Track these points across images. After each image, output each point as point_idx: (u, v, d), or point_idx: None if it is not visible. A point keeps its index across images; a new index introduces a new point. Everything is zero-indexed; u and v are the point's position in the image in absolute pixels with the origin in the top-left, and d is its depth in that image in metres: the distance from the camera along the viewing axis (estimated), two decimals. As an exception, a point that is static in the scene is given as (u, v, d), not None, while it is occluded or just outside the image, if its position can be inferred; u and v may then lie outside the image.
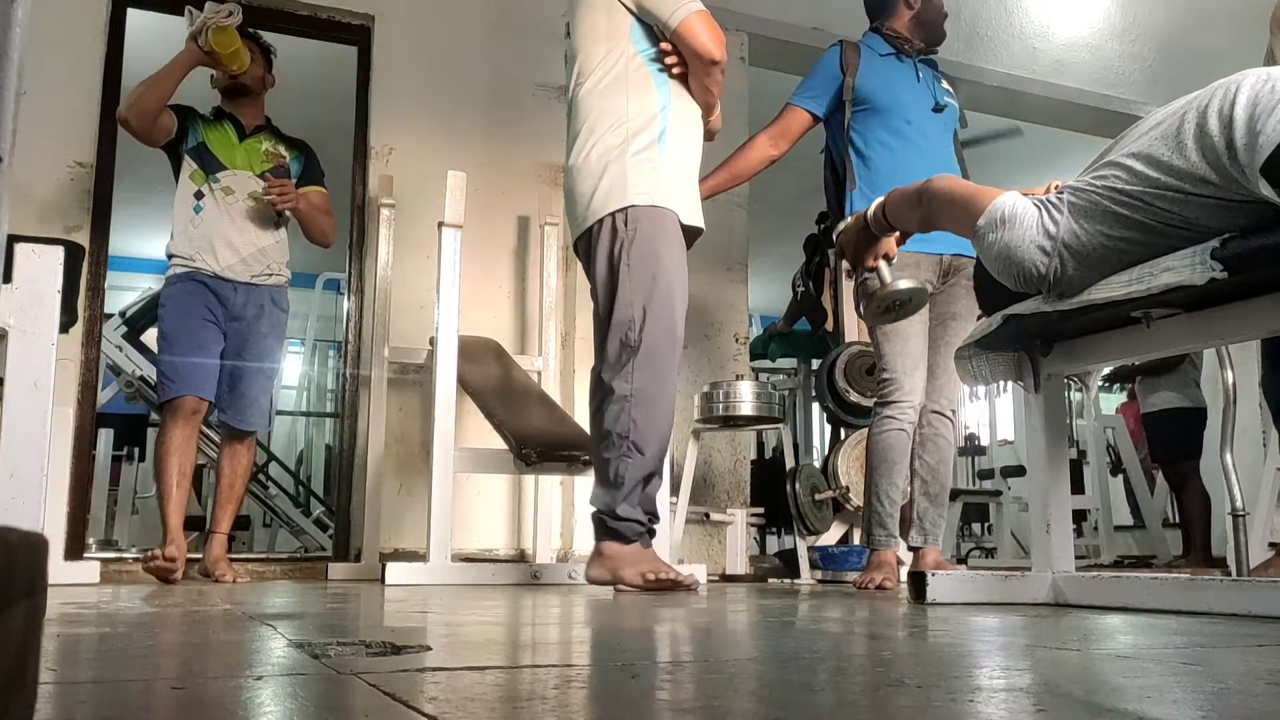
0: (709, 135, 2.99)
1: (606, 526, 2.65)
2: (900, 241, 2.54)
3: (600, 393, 2.70)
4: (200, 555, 3.62)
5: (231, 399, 3.65)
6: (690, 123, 2.87)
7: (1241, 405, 3.57)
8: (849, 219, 2.62)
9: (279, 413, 9.03)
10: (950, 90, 3.54)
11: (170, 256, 3.66)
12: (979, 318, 3.03)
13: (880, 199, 2.40)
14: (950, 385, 3.28)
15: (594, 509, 2.70)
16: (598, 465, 2.71)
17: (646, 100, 2.78)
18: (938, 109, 3.42)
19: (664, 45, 2.81)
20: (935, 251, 3.23)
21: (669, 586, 2.55)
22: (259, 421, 3.79)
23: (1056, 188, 2.02)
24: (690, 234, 2.84)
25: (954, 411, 3.36)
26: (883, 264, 2.52)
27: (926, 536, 3.30)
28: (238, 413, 3.66)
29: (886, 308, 2.62)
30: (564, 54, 2.99)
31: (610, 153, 2.74)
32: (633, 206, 2.70)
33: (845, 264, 2.88)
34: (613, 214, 2.71)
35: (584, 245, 2.80)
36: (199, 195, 3.66)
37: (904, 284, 2.55)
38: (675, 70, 2.82)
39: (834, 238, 2.70)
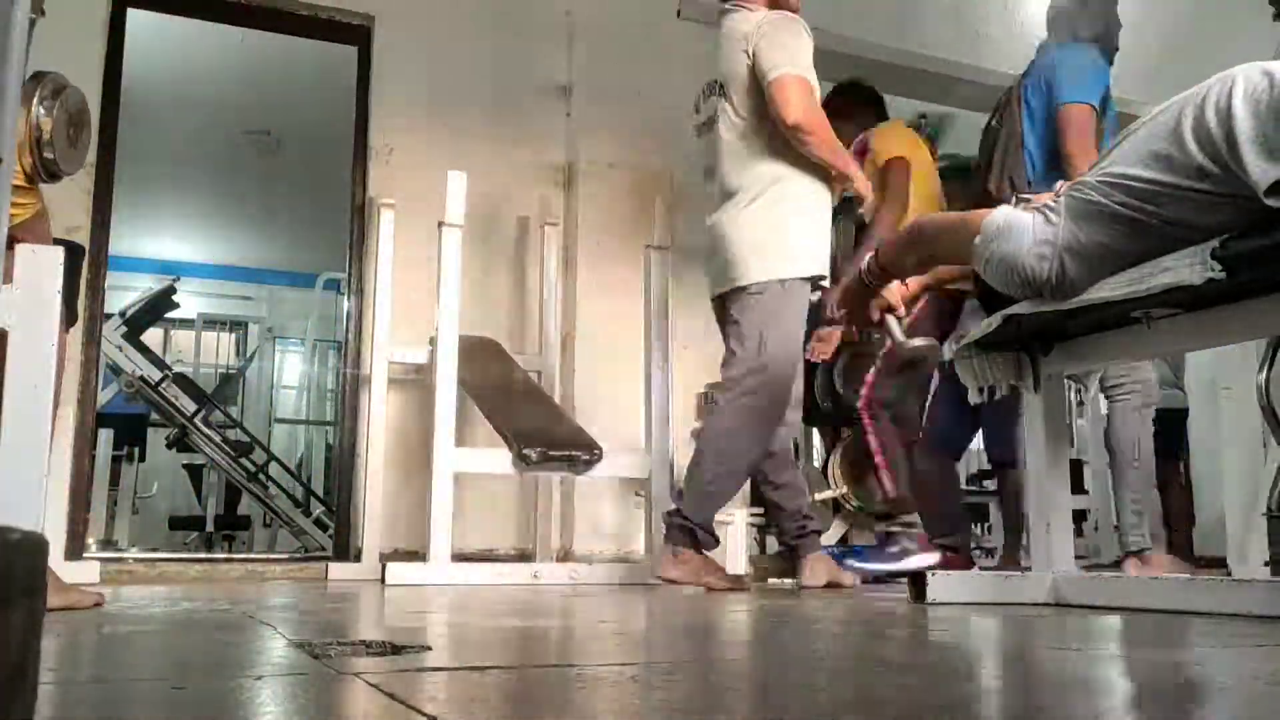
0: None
1: (696, 536, 2.89)
2: (907, 300, 2.49)
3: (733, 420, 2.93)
4: (199, 556, 3.60)
5: None
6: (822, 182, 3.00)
7: (1241, 405, 3.56)
8: (844, 279, 2.59)
9: (278, 420, 9.01)
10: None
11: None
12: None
13: (870, 252, 2.37)
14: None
15: (689, 519, 2.89)
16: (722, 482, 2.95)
17: (806, 168, 2.92)
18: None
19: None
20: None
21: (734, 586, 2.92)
22: None
23: (1060, 191, 2.02)
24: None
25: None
26: (891, 320, 2.44)
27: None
28: None
29: (899, 367, 2.56)
30: (705, 90, 3.11)
31: (775, 217, 2.91)
32: (798, 280, 2.90)
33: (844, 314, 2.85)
34: (777, 281, 2.89)
35: (736, 297, 2.94)
36: None
37: (917, 342, 2.54)
38: None
39: (834, 302, 2.71)
